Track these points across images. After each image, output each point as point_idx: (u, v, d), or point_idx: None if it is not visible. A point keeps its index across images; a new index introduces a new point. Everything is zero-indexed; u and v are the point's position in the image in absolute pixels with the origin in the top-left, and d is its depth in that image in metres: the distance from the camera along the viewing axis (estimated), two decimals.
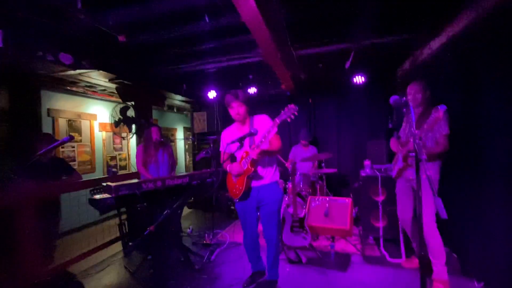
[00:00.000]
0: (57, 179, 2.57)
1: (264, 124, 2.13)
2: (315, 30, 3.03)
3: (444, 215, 0.94)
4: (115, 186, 2.22)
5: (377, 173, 3.06)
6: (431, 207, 2.13)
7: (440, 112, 1.42)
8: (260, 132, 2.08)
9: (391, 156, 2.82)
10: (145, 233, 1.04)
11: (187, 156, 8.19)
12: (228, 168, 2.21)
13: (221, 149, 2.36)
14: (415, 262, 2.61)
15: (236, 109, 2.14)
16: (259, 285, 2.37)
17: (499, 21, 1.91)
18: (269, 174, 2.22)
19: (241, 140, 1.91)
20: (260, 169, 2.18)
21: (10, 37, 1.99)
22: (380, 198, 3.02)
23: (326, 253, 3.01)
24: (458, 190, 2.47)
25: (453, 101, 2.55)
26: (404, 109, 1.39)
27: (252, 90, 4.65)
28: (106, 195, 2.42)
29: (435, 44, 2.87)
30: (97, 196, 2.50)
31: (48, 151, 2.14)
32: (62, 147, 4.25)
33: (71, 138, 2.07)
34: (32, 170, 2.33)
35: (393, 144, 2.49)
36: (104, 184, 2.40)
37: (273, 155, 2.21)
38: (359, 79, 4.06)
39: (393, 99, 1.46)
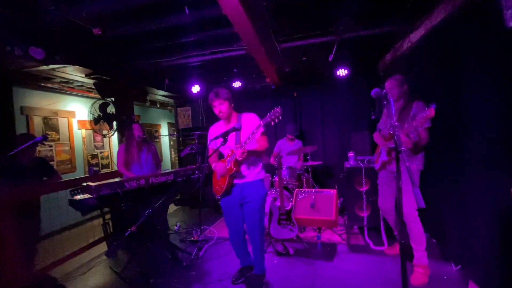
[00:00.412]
0: (37, 181, 2.46)
1: (252, 123, 2.14)
2: (299, 23, 3.02)
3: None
4: (95, 186, 2.15)
5: (361, 164, 3.14)
6: (412, 197, 2.21)
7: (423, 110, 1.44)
8: (245, 130, 2.09)
9: (374, 147, 2.89)
10: (126, 234, 1.01)
11: (173, 153, 8.06)
12: (213, 167, 2.21)
13: (208, 144, 2.33)
14: (397, 249, 2.72)
15: (218, 107, 2.13)
16: (247, 278, 2.40)
17: (471, 15, 1.98)
18: (253, 173, 2.22)
19: (224, 135, 1.90)
20: (244, 168, 2.18)
21: None
22: (364, 188, 3.10)
23: (313, 244, 3.08)
24: (439, 180, 2.58)
25: (433, 93, 2.64)
26: (385, 102, 1.41)
27: (237, 84, 4.61)
28: (87, 196, 2.35)
29: (415, 36, 2.93)
30: (78, 197, 2.43)
31: (20, 151, 2.03)
32: (39, 146, 4.05)
33: (44, 138, 1.97)
34: (10, 172, 2.22)
35: (377, 138, 2.55)
36: (84, 184, 2.33)
37: (259, 156, 2.22)
38: (342, 72, 4.10)
39: (374, 91, 1.49)
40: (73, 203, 2.37)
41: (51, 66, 2.70)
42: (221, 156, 2.32)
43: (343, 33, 3.12)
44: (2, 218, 2.12)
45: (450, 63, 2.31)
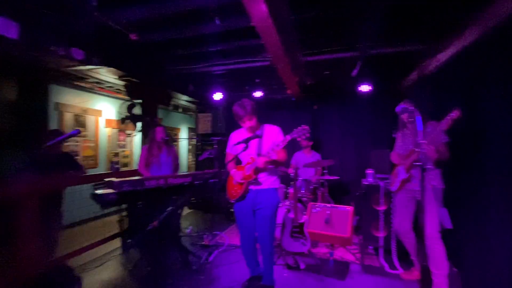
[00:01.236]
0: (63, 174, 2.59)
1: (274, 134, 2.19)
2: (325, 37, 3.05)
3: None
4: (118, 182, 2.23)
5: (380, 182, 3.05)
6: (436, 217, 2.13)
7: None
8: (266, 139, 2.14)
9: (393, 166, 2.81)
10: (148, 227, 1.04)
11: (190, 157, 8.20)
12: (231, 173, 2.26)
13: (228, 150, 2.39)
14: (414, 274, 2.58)
15: (248, 122, 2.18)
16: None
17: (504, 38, 1.92)
18: (269, 181, 2.25)
19: (246, 141, 1.93)
20: (261, 176, 2.21)
21: (24, 30, 2.02)
22: (382, 207, 3.00)
23: (324, 261, 2.99)
24: (462, 202, 2.44)
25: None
26: (411, 119, 1.38)
27: (258, 94, 4.67)
28: (108, 191, 2.43)
29: (443, 56, 2.87)
30: (99, 191, 2.52)
31: (57, 143, 2.16)
32: (66, 141, 4.27)
33: (79, 132, 2.08)
34: (40, 164, 2.35)
35: (394, 157, 2.50)
36: (107, 179, 2.42)
37: (278, 166, 2.25)
38: (365, 88, 4.06)
39: (400, 107, 1.47)
40: (95, 197, 2.46)
41: (88, 67, 2.89)
42: (238, 162, 2.36)
43: (369, 49, 3.11)
44: (28, 206, 2.23)
45: (478, 85, 2.23)
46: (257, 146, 2.19)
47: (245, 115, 2.14)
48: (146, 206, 2.63)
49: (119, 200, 2.45)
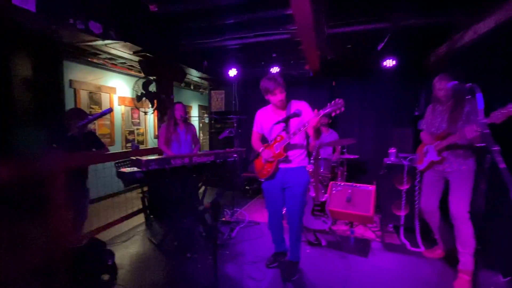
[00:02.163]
0: (88, 151, 2.60)
1: (306, 110, 2.11)
2: (352, 7, 2.84)
3: None
4: (145, 160, 2.22)
5: (403, 161, 2.98)
6: (467, 197, 2.09)
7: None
8: (294, 120, 2.07)
9: (417, 145, 2.71)
10: (200, 209, 1.03)
11: (201, 135, 8.20)
12: (260, 151, 2.22)
13: (255, 129, 2.36)
14: (437, 253, 2.60)
15: (279, 95, 2.10)
16: (281, 264, 2.42)
17: None
18: (299, 159, 2.23)
19: (287, 120, 1.86)
20: (291, 154, 2.19)
21: (41, 2, 1.92)
22: (405, 187, 2.97)
23: (345, 238, 3.03)
24: (488, 179, 2.38)
25: (494, 90, 2.39)
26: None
27: (275, 69, 4.51)
28: (134, 169, 2.45)
29: (482, 27, 2.65)
30: (126, 169, 2.54)
31: (90, 122, 2.14)
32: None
33: (111, 110, 2.05)
34: (65, 142, 2.36)
35: (426, 137, 2.40)
36: (133, 158, 2.42)
37: (316, 138, 2.15)
38: (389, 63, 3.87)
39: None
40: (121, 175, 2.48)
41: (105, 42, 2.78)
42: (264, 141, 2.33)
43: (399, 20, 2.89)
44: (57, 182, 2.27)
45: None
46: (285, 123, 2.11)
47: (276, 87, 2.06)
48: (170, 183, 2.65)
49: (145, 178, 2.47)
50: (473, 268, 2.15)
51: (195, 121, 7.64)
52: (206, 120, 6.99)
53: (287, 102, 2.22)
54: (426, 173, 2.49)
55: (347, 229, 3.21)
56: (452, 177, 2.22)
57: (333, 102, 1.79)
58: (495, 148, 1.07)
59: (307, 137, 2.26)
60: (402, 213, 3.00)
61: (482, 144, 1.16)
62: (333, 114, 1.78)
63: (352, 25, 3.02)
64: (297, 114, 1.88)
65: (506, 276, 2.21)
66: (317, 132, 2.02)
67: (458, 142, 2.14)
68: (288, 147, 2.13)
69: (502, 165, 1.01)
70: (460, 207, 2.09)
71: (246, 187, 4.83)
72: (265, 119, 2.27)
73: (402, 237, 2.96)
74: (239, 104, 5.47)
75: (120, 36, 2.69)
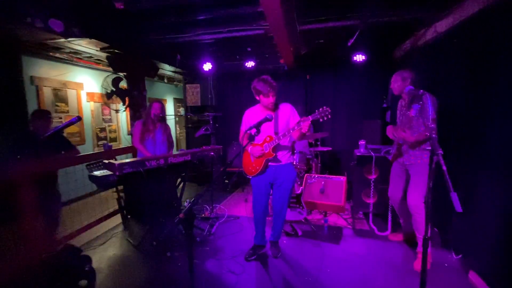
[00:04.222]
0: (55, 155, 2.50)
1: (287, 113, 2.32)
2: (323, 5, 2.92)
3: (459, 209, 1.04)
4: (119, 164, 2.20)
5: (372, 153, 3.20)
6: (422, 189, 2.31)
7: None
8: (282, 118, 2.30)
9: (385, 136, 2.91)
10: (176, 221, 1.07)
11: (178, 128, 8.06)
12: (249, 150, 2.36)
13: (243, 128, 2.48)
14: (400, 236, 2.86)
15: (272, 98, 2.25)
16: (259, 256, 2.58)
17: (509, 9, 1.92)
18: (286, 156, 2.43)
19: (258, 125, 1.95)
20: (280, 153, 2.37)
21: None
22: (373, 176, 3.19)
23: (319, 227, 3.22)
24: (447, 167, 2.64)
25: (453, 87, 2.62)
26: (420, 102, 1.43)
27: (250, 63, 4.53)
28: (108, 172, 2.41)
29: (442, 25, 2.84)
30: (98, 173, 2.49)
31: (57, 132, 2.05)
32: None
33: (79, 119, 1.98)
34: (28, 146, 2.25)
35: (389, 131, 2.60)
36: (106, 161, 2.38)
37: (310, 138, 2.44)
38: (359, 58, 4.03)
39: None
40: (94, 179, 2.44)
41: (69, 39, 2.64)
42: (251, 139, 2.40)
43: (367, 18, 3.02)
44: (23, 191, 2.18)
45: (480, 58, 2.26)
46: (274, 124, 2.29)
47: (271, 90, 2.21)
48: (147, 184, 2.65)
49: (119, 182, 2.45)
50: (430, 249, 2.41)
51: (171, 118, 7.46)
52: (183, 112, 6.86)
53: (276, 103, 2.38)
54: (393, 164, 2.71)
55: (321, 218, 3.41)
56: (410, 170, 2.44)
57: (321, 109, 1.98)
58: (439, 152, 1.22)
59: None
60: (371, 200, 3.24)
61: (428, 147, 1.31)
62: (320, 120, 1.95)
63: (323, 22, 3.11)
64: (268, 119, 1.99)
65: (458, 254, 2.50)
66: (302, 136, 2.23)
67: (406, 139, 2.35)
68: (277, 147, 2.31)
69: (444, 167, 1.16)
70: (415, 197, 2.32)
71: (226, 181, 4.90)
72: (254, 118, 2.37)
73: (371, 223, 3.21)
74: (215, 98, 5.44)
75: (85, 33, 2.56)
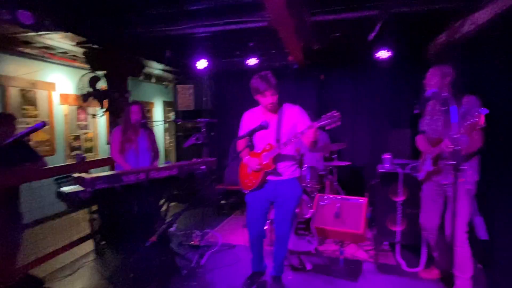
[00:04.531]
0: (17, 166, 2.58)
1: (294, 116, 2.32)
2: None
3: (484, 235, 1.05)
4: (90, 178, 2.26)
5: (398, 169, 3.19)
6: (465, 217, 2.28)
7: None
8: (286, 123, 2.30)
9: (416, 149, 2.92)
10: (147, 244, 1.10)
11: (167, 137, 8.19)
12: (245, 160, 2.39)
13: (240, 134, 2.50)
14: (434, 273, 2.81)
15: (270, 98, 2.25)
16: (259, 285, 2.62)
17: None
18: (289, 170, 2.42)
19: (251, 133, 2.00)
20: (281, 166, 2.36)
21: None
22: (400, 198, 3.17)
23: (334, 260, 3.19)
24: (492, 192, 2.61)
25: (496, 87, 2.63)
26: (445, 108, 1.46)
27: (252, 61, 4.64)
28: (78, 188, 2.47)
29: (482, 16, 2.89)
30: (66, 189, 2.55)
31: (18, 139, 2.13)
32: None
33: (44, 125, 2.06)
34: None
35: (421, 142, 2.59)
36: (76, 175, 2.44)
37: (313, 149, 2.40)
38: (383, 54, 4.09)
39: (431, 92, 1.53)
40: (62, 196, 2.50)
41: (40, 33, 2.78)
42: (251, 148, 2.43)
43: (389, 7, 3.10)
44: None
45: None
46: (276, 130, 2.29)
47: (268, 88, 2.21)
48: (122, 204, 2.70)
49: (92, 199, 2.50)
50: None
51: (158, 125, 7.59)
52: (173, 118, 6.98)
53: (280, 104, 2.41)
54: (425, 184, 2.69)
55: (337, 249, 3.38)
56: (449, 192, 2.41)
57: (329, 114, 1.98)
58: (463, 167, 1.24)
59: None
60: (397, 228, 3.21)
61: (452, 162, 1.32)
62: (327, 128, 1.95)
63: (338, 13, 3.20)
64: (263, 127, 2.02)
65: None
66: (313, 144, 2.20)
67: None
68: (278, 158, 2.31)
69: (469, 186, 1.17)
70: (458, 226, 2.24)
71: (221, 202, 4.92)
72: (253, 123, 2.39)
73: (398, 256, 3.16)
74: (211, 101, 5.56)
75: (58, 26, 2.70)
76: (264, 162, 2.30)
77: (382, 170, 3.33)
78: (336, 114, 1.95)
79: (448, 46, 3.74)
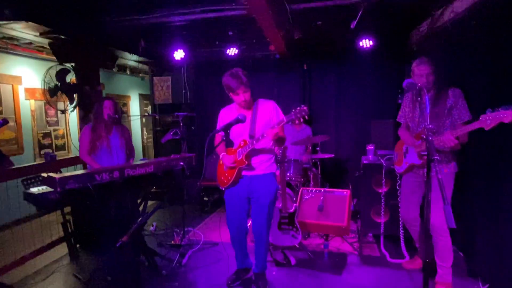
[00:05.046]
0: None
1: (269, 111, 2.41)
2: None
3: (452, 224, 1.11)
4: (60, 178, 2.22)
5: (382, 160, 3.28)
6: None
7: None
8: (260, 118, 2.38)
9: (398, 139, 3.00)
10: (117, 245, 1.10)
11: (145, 133, 8.08)
12: (221, 157, 2.46)
13: (216, 131, 2.52)
14: (417, 263, 2.93)
15: (242, 95, 2.33)
16: (244, 282, 2.69)
17: None
18: (264, 165, 2.50)
19: (226, 128, 2.02)
20: (255, 160, 2.43)
21: None
22: (383, 189, 3.27)
23: (318, 253, 3.28)
24: (472, 182, 2.74)
25: (478, 78, 2.73)
26: (418, 98, 1.52)
27: (232, 51, 4.62)
28: (47, 189, 2.42)
29: (460, 5, 2.98)
30: (35, 190, 2.50)
31: None
32: None
33: (5, 122, 2.00)
34: None
35: (404, 135, 2.67)
36: (44, 174, 2.39)
37: (280, 145, 2.54)
38: (366, 43, 4.16)
39: (407, 82, 1.58)
40: (30, 198, 2.44)
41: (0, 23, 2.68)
42: (229, 145, 2.52)
43: None
44: None
45: (502, 45, 2.37)
46: (250, 125, 2.36)
47: (239, 86, 2.27)
48: (96, 204, 2.67)
49: (62, 201, 2.46)
50: (451, 279, 2.49)
51: (136, 118, 7.48)
52: (150, 112, 6.88)
53: (254, 100, 2.48)
54: (405, 176, 2.79)
55: (322, 242, 3.46)
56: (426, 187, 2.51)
57: (298, 109, 2.08)
58: (435, 158, 1.30)
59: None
60: (382, 219, 3.31)
61: (425, 153, 1.39)
62: (296, 122, 2.03)
63: (316, 0, 3.22)
64: (240, 120, 2.06)
65: (485, 283, 2.58)
66: (279, 141, 2.33)
67: (439, 148, 2.41)
68: (252, 153, 2.38)
69: (440, 175, 1.23)
70: (437, 219, 2.34)
71: (204, 199, 4.93)
72: (229, 119, 2.42)
73: (382, 248, 3.28)
74: (191, 93, 5.50)
75: (19, 15, 2.61)
76: (238, 158, 2.37)
77: (366, 162, 3.41)
78: (304, 108, 2.06)
79: (430, 35, 3.84)
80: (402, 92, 4.67)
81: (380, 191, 3.28)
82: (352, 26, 3.76)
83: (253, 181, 2.47)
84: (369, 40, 4.14)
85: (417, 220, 2.74)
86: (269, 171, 2.53)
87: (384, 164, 3.22)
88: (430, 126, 1.37)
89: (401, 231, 3.15)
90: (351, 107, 4.78)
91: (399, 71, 4.49)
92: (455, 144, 2.11)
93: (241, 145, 2.36)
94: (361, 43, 4.18)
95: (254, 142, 2.27)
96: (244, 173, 2.47)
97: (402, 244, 3.13)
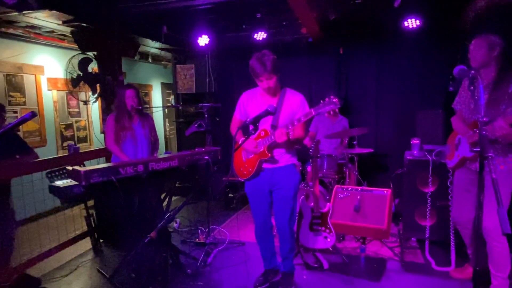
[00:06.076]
0: (6, 159, 2.72)
1: (295, 104, 2.42)
2: None
3: (507, 229, 1.08)
4: (85, 171, 2.37)
5: (428, 156, 3.20)
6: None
7: None
8: (285, 109, 2.40)
9: (448, 133, 2.90)
10: (145, 241, 1.18)
11: (167, 124, 8.33)
12: (241, 142, 2.48)
13: (237, 114, 2.64)
14: (467, 272, 2.84)
15: (265, 82, 2.33)
16: (272, 285, 2.73)
17: None
18: (286, 157, 2.53)
19: (255, 121, 2.06)
20: (277, 153, 2.47)
21: None
22: (430, 189, 3.19)
23: (354, 258, 3.27)
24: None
25: None
26: (471, 87, 1.47)
27: (261, 35, 4.64)
28: (71, 182, 2.60)
29: None
30: (60, 183, 2.68)
31: (8, 131, 2.24)
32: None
33: (33, 115, 2.16)
34: None
35: (457, 124, 2.57)
36: (69, 167, 2.56)
37: (292, 147, 2.55)
38: (412, 23, 4.03)
39: (458, 69, 1.54)
40: (55, 191, 2.63)
41: (24, 12, 2.87)
42: (246, 131, 2.54)
43: None
44: None
45: None
46: (273, 115, 2.36)
47: (262, 73, 2.29)
48: (120, 198, 2.82)
49: (86, 194, 2.63)
50: None
51: (158, 111, 7.69)
52: (173, 102, 7.07)
53: (282, 88, 2.50)
54: (458, 172, 2.69)
55: (358, 246, 3.44)
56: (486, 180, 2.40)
57: (327, 99, 2.08)
58: (489, 155, 1.26)
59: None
60: (427, 223, 3.24)
61: (477, 149, 1.34)
62: (326, 114, 2.02)
63: None
64: (270, 113, 2.09)
65: None
66: (293, 142, 2.37)
67: (489, 136, 2.32)
68: (274, 145, 2.40)
69: (494, 175, 1.20)
70: (492, 221, 2.22)
71: (230, 195, 5.03)
72: (251, 105, 2.50)
73: (427, 254, 3.21)
74: (215, 82, 5.59)
75: (43, 3, 2.78)
76: (260, 149, 2.40)
77: (410, 158, 3.34)
78: (335, 99, 2.05)
79: (490, 11, 3.64)
80: (454, 80, 4.49)
81: (426, 190, 3.21)
82: (395, 5, 3.66)
83: (275, 173, 2.52)
84: (415, 20, 4.00)
85: (471, 222, 2.65)
86: (290, 162, 2.56)
87: (431, 160, 3.14)
88: (484, 119, 1.32)
89: (452, 235, 3.05)
90: (394, 96, 4.66)
91: (450, 55, 4.29)
92: (508, 132, 2.00)
93: (261, 135, 2.39)
94: (406, 23, 4.05)
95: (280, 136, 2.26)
96: (265, 165, 2.51)
97: (452, 249, 3.02)
